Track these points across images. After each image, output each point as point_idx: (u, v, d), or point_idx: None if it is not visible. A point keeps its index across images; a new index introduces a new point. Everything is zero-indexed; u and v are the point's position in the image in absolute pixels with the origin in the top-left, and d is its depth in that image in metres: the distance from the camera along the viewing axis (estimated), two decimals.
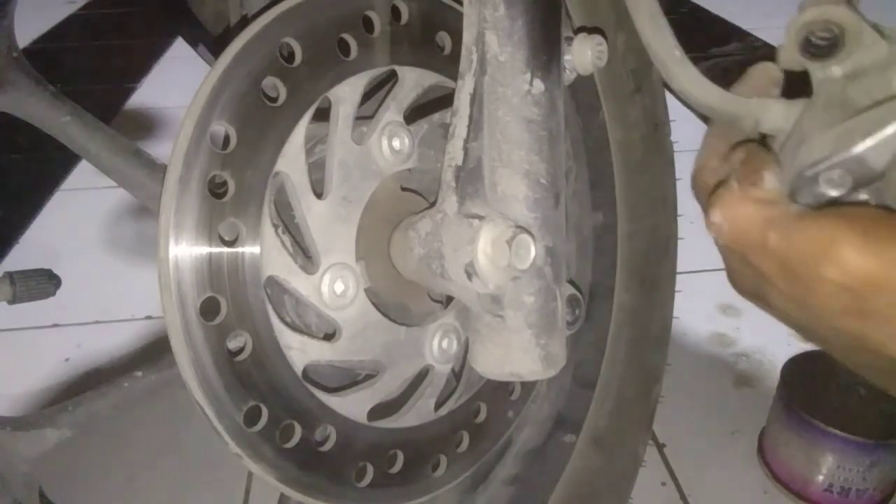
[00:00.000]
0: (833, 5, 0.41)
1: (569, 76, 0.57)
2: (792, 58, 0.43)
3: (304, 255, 0.52)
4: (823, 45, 0.42)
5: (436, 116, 0.59)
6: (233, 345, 0.48)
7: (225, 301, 0.47)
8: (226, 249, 0.47)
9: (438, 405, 0.60)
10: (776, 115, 0.45)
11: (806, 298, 0.40)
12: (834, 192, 0.40)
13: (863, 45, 0.41)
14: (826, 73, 0.42)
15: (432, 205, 0.53)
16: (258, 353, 0.49)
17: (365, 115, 0.55)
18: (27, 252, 1.76)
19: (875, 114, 0.39)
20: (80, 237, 1.80)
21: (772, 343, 1.39)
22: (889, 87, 0.40)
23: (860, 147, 0.39)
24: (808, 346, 1.37)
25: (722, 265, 0.47)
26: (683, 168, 0.84)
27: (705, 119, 0.49)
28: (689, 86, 0.48)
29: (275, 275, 0.49)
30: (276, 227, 0.50)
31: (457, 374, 0.61)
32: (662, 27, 0.49)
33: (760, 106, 0.45)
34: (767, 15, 3.43)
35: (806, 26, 0.42)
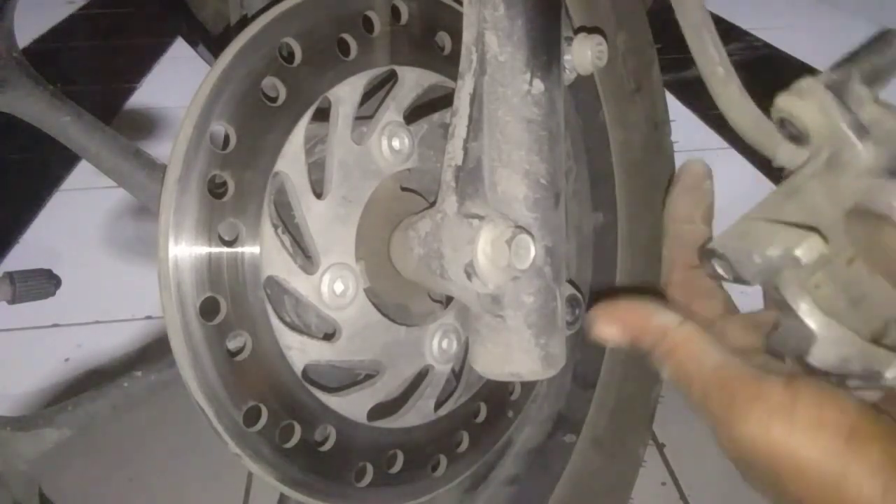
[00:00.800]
0: (805, 100, 0.42)
1: (569, 76, 0.57)
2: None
3: (304, 255, 0.52)
4: (794, 134, 0.43)
5: (436, 116, 0.59)
6: (232, 345, 0.48)
7: (224, 301, 0.47)
8: (225, 249, 0.47)
9: (438, 405, 0.60)
10: (785, 155, 0.46)
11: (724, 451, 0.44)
12: (722, 275, 0.44)
13: (838, 145, 0.41)
14: (812, 155, 0.43)
15: (432, 205, 0.53)
16: (258, 353, 0.49)
17: (365, 115, 0.55)
18: (27, 252, 1.76)
19: (759, 233, 0.42)
20: (80, 237, 1.80)
21: None
22: (850, 194, 0.41)
23: (732, 257, 0.42)
24: None
25: None
26: None
27: (706, 119, 0.51)
28: (727, 105, 0.49)
29: (274, 275, 0.49)
30: (275, 227, 0.50)
31: (457, 374, 0.61)
32: (708, 42, 0.50)
33: (779, 143, 0.46)
34: (767, 15, 3.43)
35: (778, 112, 0.43)
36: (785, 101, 0.42)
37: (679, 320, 0.45)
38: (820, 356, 0.40)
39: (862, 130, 0.41)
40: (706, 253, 0.44)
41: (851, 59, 0.43)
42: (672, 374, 0.45)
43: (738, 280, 0.43)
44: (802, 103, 0.41)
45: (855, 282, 0.41)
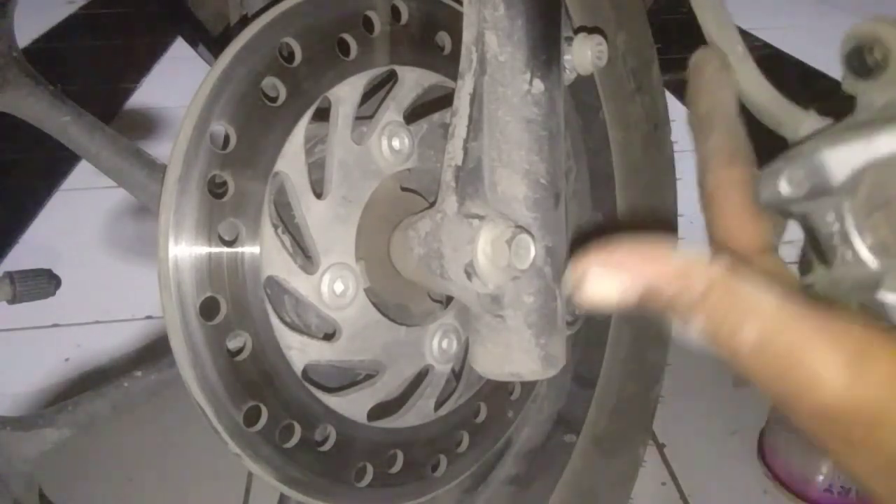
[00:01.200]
0: (890, 25, 0.40)
1: (569, 76, 0.57)
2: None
3: (304, 255, 0.52)
4: (867, 64, 0.40)
5: (436, 116, 0.59)
6: (232, 345, 0.48)
7: (224, 301, 0.47)
8: (225, 249, 0.47)
9: (438, 405, 0.60)
10: (810, 127, 0.44)
11: (792, 417, 0.34)
12: (788, 192, 0.39)
13: None
14: (866, 99, 0.41)
15: (432, 205, 0.53)
16: (258, 353, 0.49)
17: (365, 115, 0.55)
18: (27, 252, 1.76)
19: (851, 131, 0.39)
20: (80, 237, 1.80)
21: None
22: None
23: (823, 154, 0.38)
24: None
25: None
26: (683, 168, 0.84)
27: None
28: (745, 82, 0.47)
29: (274, 275, 0.49)
30: (275, 226, 0.50)
31: (457, 374, 0.61)
32: (726, 22, 0.49)
33: (805, 118, 0.45)
34: (767, 15, 3.43)
35: (854, 39, 0.41)
36: (868, 27, 0.40)
37: (706, 255, 0.34)
38: (892, 290, 0.37)
39: None
40: (777, 168, 0.39)
41: None
42: (710, 325, 0.33)
43: (821, 189, 0.38)
44: (887, 27, 0.39)
45: None
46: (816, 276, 0.40)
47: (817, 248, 0.41)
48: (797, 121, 0.45)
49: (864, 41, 0.40)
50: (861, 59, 0.40)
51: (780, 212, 0.41)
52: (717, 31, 0.49)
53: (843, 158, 0.38)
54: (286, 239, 0.52)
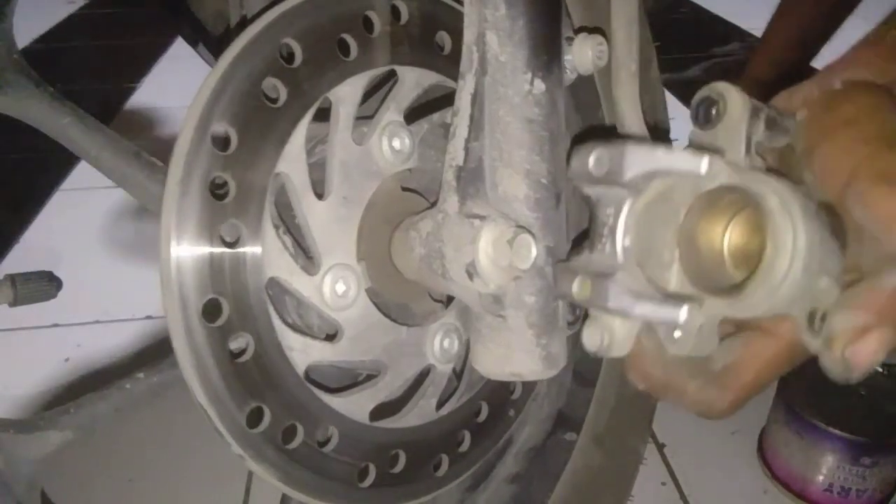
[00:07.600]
0: (739, 92, 0.46)
1: (569, 76, 0.57)
2: None
3: (306, 255, 0.53)
4: (709, 116, 0.46)
5: (436, 116, 0.59)
6: (234, 346, 0.48)
7: (227, 302, 0.47)
8: (227, 250, 0.47)
9: (440, 405, 0.60)
10: None
11: None
12: (592, 169, 0.46)
13: (728, 143, 0.45)
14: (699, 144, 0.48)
15: (433, 205, 0.53)
16: (260, 355, 0.49)
17: (365, 115, 0.55)
18: (27, 252, 1.76)
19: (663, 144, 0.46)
20: (80, 237, 1.80)
21: None
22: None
23: (628, 146, 0.44)
24: None
25: None
26: None
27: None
28: (621, 99, 0.55)
29: (276, 276, 0.49)
30: (277, 227, 0.50)
31: (458, 374, 0.61)
32: (633, 37, 0.55)
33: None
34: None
35: (711, 90, 0.47)
36: (723, 87, 0.46)
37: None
38: (621, 283, 0.44)
39: (751, 143, 0.45)
40: (588, 147, 0.46)
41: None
42: None
43: (606, 181, 0.44)
44: (736, 93, 0.46)
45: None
46: (580, 256, 0.46)
47: (592, 232, 0.46)
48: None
49: (717, 95, 0.46)
50: (705, 112, 0.46)
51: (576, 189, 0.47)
52: (622, 42, 0.55)
53: (641, 157, 0.43)
54: (288, 240, 0.52)
